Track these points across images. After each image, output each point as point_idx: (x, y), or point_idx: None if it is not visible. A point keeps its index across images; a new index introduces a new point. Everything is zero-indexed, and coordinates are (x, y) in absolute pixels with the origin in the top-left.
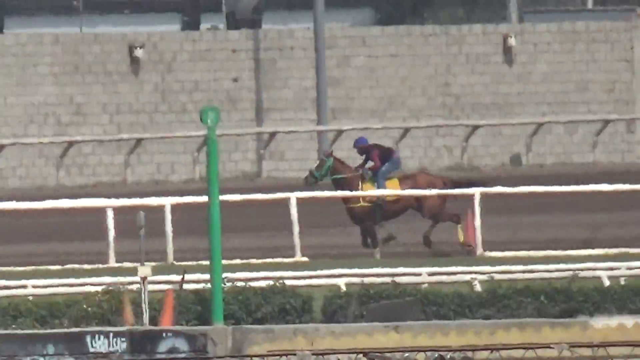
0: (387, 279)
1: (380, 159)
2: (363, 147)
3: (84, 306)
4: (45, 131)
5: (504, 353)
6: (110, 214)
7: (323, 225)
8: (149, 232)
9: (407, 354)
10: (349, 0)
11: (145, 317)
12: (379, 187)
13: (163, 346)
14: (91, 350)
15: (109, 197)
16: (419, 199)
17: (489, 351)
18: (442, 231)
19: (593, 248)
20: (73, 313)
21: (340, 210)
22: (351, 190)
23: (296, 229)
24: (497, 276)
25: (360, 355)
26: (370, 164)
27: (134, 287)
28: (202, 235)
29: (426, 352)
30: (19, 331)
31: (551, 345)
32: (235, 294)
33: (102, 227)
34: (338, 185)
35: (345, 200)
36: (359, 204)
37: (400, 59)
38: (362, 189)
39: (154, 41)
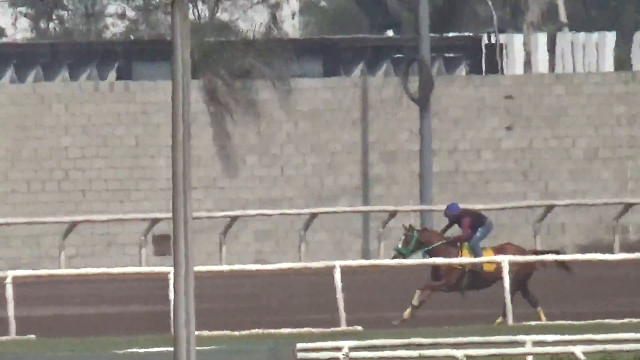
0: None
1: (472, 226)
2: (455, 215)
3: None
4: None
5: None
6: None
7: None
8: None
9: None
10: None
11: None
12: (476, 255)
13: None
14: None
15: None
16: (512, 269)
17: None
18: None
19: None
20: None
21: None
22: (448, 257)
23: None
24: None
25: None
26: (454, 229)
27: None
28: None
29: None
30: None
31: None
32: None
33: None
34: (432, 255)
35: (437, 267)
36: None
37: None
38: (461, 256)
39: None
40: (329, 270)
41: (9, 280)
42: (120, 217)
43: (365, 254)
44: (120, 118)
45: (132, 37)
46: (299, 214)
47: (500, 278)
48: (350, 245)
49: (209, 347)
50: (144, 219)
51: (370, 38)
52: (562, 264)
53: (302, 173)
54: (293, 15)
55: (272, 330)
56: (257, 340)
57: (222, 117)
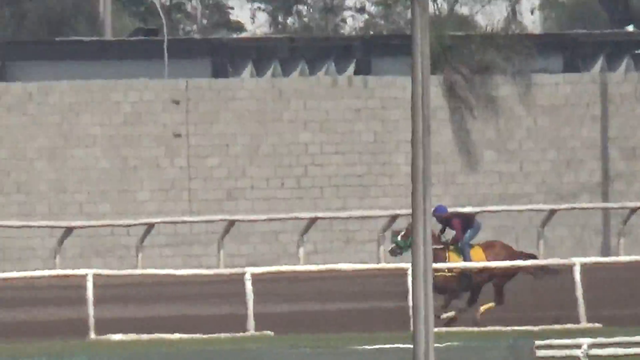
0: None
1: (462, 228)
2: (442, 216)
3: None
4: None
5: None
6: None
7: None
8: None
9: None
10: None
11: None
12: (465, 257)
13: None
14: None
15: None
16: (502, 269)
17: None
18: None
19: None
20: None
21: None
22: (435, 262)
23: None
24: None
25: None
26: (448, 232)
27: None
28: None
29: None
30: None
31: None
32: None
33: None
34: None
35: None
36: (441, 274)
37: None
38: (448, 260)
39: None
40: (568, 268)
41: (247, 276)
42: (360, 213)
43: (605, 251)
44: (358, 114)
45: (371, 32)
46: (538, 210)
47: (490, 280)
48: (590, 242)
49: (446, 344)
50: (382, 216)
51: (610, 33)
52: (542, 269)
53: (541, 169)
54: (532, 10)
55: (510, 328)
56: (495, 338)
57: (462, 113)
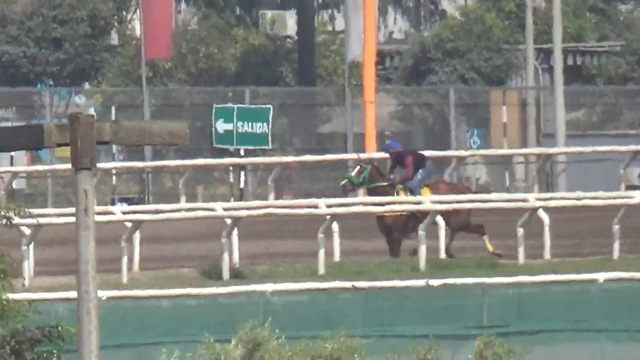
0: None
1: (414, 166)
2: (395, 152)
3: None
4: None
5: None
6: None
7: None
8: None
9: None
10: None
11: None
12: (415, 196)
13: None
14: None
15: None
16: (449, 210)
17: None
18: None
19: None
20: None
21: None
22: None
23: None
24: None
25: None
26: (399, 170)
27: None
28: None
29: None
30: None
31: None
32: None
33: None
34: (373, 194)
35: (382, 215)
36: (389, 214)
37: None
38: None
39: None
40: None
41: None
42: None
43: None
44: None
45: None
46: None
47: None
48: None
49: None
50: None
51: None
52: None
53: None
54: None
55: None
56: None
57: None
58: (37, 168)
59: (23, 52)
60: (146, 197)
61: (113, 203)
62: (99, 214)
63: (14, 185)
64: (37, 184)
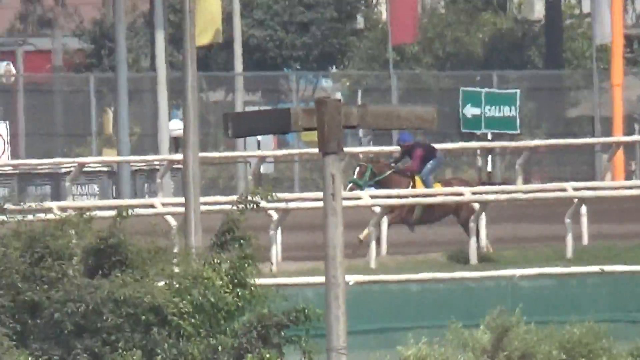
0: None
1: (422, 159)
2: (406, 145)
3: None
4: None
5: None
6: None
7: None
8: None
9: None
10: None
11: None
12: (427, 187)
13: None
14: None
15: None
16: (457, 206)
17: None
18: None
19: None
20: None
21: None
22: (398, 187)
23: None
24: None
25: None
26: (405, 162)
27: None
28: None
29: None
30: None
31: None
32: None
33: None
34: (386, 184)
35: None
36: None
37: None
38: (414, 188)
39: None
40: None
41: None
42: None
43: None
44: None
45: None
46: None
47: (450, 214)
48: None
49: None
50: None
51: None
52: None
53: None
54: None
55: None
56: None
57: None
58: (284, 152)
59: (269, 36)
60: None
61: None
62: (346, 198)
63: (261, 170)
64: (284, 169)
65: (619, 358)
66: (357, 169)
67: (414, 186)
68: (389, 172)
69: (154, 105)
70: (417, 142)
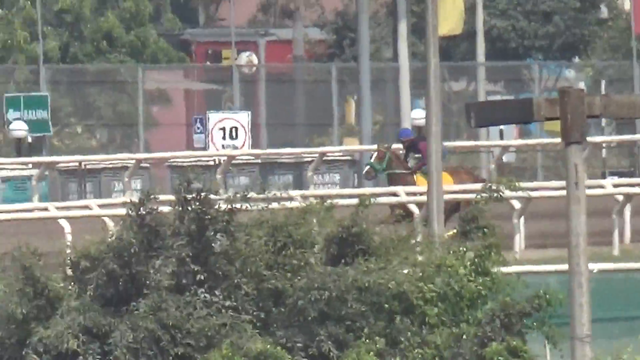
0: None
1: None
2: (407, 140)
3: None
4: None
5: None
6: None
7: None
8: None
9: None
10: None
11: None
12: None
13: None
14: None
15: None
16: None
17: None
18: None
19: None
20: None
21: None
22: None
23: None
24: None
25: None
26: (412, 156)
27: None
28: None
29: None
30: None
31: None
32: None
33: None
34: (392, 181)
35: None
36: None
37: None
38: (416, 184)
39: None
40: None
41: None
42: None
43: None
44: None
45: None
46: None
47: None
48: None
49: None
50: None
51: None
52: None
53: None
54: None
55: None
56: None
57: None
58: (527, 142)
59: (512, 26)
60: (637, 171)
61: (604, 176)
62: (589, 187)
63: (504, 159)
64: (527, 158)
65: None
66: (375, 153)
67: (416, 183)
68: (402, 171)
69: (395, 94)
70: (418, 136)
